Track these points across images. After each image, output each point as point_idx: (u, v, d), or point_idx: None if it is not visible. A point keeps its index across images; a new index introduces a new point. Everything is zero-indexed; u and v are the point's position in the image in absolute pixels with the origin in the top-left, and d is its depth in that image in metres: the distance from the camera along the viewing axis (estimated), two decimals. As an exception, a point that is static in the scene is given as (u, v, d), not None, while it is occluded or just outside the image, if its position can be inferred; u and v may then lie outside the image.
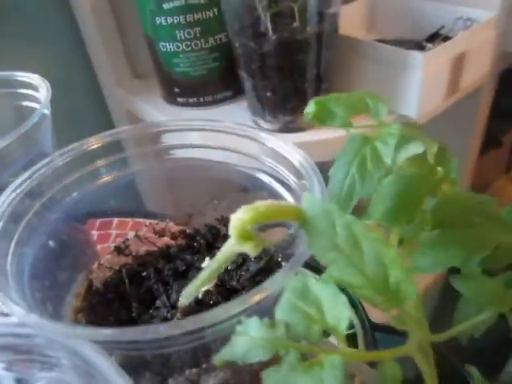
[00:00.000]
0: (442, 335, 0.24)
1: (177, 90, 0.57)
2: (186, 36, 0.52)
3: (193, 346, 0.20)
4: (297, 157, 0.23)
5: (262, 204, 0.16)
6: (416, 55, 0.45)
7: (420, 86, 0.46)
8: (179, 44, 0.53)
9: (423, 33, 0.59)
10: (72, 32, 0.65)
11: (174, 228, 0.31)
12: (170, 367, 0.22)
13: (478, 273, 0.27)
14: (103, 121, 0.74)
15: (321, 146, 0.49)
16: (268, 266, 0.27)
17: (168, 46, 0.53)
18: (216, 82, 0.56)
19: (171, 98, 0.59)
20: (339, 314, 0.14)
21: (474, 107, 0.64)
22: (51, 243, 0.25)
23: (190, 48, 0.53)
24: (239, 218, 0.16)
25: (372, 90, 0.53)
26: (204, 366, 0.22)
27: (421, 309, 0.15)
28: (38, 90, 0.35)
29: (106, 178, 0.27)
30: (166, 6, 0.50)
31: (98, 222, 0.43)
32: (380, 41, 0.58)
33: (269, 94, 0.48)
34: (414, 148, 0.27)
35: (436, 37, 0.56)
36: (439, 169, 0.26)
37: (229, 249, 0.17)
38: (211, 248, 0.30)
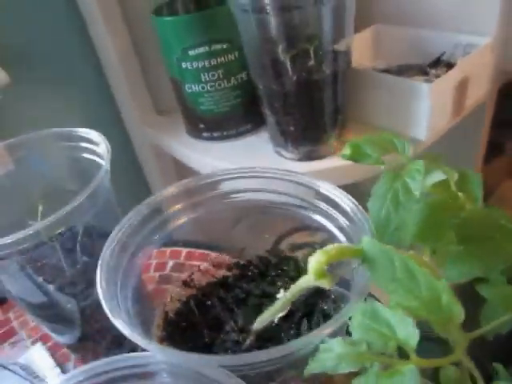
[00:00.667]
0: (473, 334, 0.28)
1: (202, 125, 0.62)
2: (210, 78, 0.57)
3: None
4: (346, 201, 0.27)
5: (332, 247, 0.21)
6: (423, 86, 0.50)
7: (428, 112, 0.51)
8: (204, 85, 0.58)
9: (425, 57, 0.64)
10: (97, 75, 0.70)
11: (229, 260, 0.36)
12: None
13: (503, 281, 0.31)
14: (128, 157, 0.79)
15: (338, 172, 0.53)
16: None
17: (194, 87, 0.58)
18: (238, 117, 0.61)
19: (197, 132, 0.64)
20: (409, 332, 0.18)
21: (477, 122, 0.69)
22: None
23: (213, 88, 0.58)
24: (317, 260, 0.20)
25: (384, 117, 0.58)
26: (279, 379, 0.27)
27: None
28: (96, 144, 0.40)
29: (173, 224, 0.32)
30: (191, 52, 0.55)
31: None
32: (386, 70, 0.63)
33: (291, 128, 0.52)
34: (437, 176, 0.32)
35: (438, 63, 0.61)
36: (460, 194, 0.30)
37: (306, 283, 0.22)
38: (264, 276, 0.35)
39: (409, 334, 0.18)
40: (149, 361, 0.22)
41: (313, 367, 0.20)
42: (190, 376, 0.21)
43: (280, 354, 0.20)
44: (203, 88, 0.58)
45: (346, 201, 0.27)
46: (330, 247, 0.21)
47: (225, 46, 0.55)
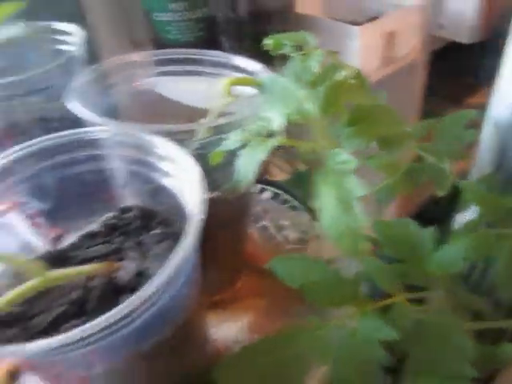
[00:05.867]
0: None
1: (169, 54, 0.70)
2: (177, 8, 0.65)
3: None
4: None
5: (236, 77, 0.30)
6: (354, 28, 0.60)
7: (358, 50, 0.61)
8: (171, 14, 0.66)
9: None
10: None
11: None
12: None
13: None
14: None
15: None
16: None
17: (161, 17, 0.67)
18: (201, 47, 0.70)
19: (163, 61, 0.72)
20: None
21: (410, 80, 0.80)
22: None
23: (180, 18, 0.66)
24: (225, 83, 0.30)
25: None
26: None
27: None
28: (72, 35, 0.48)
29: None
30: (160, -17, 0.63)
31: None
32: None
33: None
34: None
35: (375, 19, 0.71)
36: (351, 80, 0.40)
37: (219, 103, 0.31)
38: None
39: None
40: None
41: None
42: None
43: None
44: (170, 17, 0.66)
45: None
46: (234, 77, 0.30)
47: (190, -19, 0.63)
